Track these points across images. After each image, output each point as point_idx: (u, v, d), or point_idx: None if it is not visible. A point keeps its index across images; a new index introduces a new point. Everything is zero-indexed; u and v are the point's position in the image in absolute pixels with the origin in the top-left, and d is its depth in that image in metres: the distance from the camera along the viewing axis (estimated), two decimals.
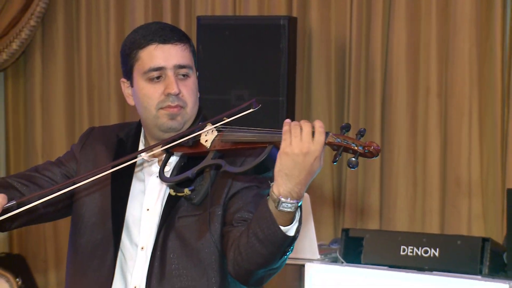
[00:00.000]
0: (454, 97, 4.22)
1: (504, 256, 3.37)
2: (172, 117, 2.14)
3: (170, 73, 2.14)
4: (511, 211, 3.35)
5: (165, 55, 2.15)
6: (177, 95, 2.14)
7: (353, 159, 1.84)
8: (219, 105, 4.03)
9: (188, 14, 4.82)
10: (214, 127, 2.09)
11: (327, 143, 1.87)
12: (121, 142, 2.26)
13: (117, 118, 5.03)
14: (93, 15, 5.11)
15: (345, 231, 3.70)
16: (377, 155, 1.84)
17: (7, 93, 5.35)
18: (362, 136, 1.87)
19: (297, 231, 1.95)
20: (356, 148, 1.85)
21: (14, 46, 5.05)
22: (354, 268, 3.43)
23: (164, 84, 2.14)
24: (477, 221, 4.14)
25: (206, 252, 2.12)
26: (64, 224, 5.16)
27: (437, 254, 3.40)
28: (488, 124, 4.17)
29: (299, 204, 1.92)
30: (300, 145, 1.86)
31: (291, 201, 1.89)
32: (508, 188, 3.45)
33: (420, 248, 3.42)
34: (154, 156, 2.22)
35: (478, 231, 4.09)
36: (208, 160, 2.06)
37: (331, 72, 4.53)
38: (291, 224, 1.93)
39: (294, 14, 4.49)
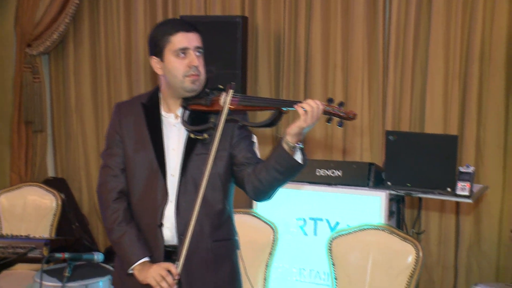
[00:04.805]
0: (352, 70, 4.22)
1: (383, 174, 3.41)
2: (193, 82, 2.12)
3: (192, 52, 2.12)
4: (388, 145, 3.37)
5: (189, 40, 2.13)
6: (197, 67, 2.12)
7: (341, 123, 1.95)
8: None
9: (174, 13, 4.74)
10: (237, 94, 2.08)
11: (323, 112, 1.95)
12: (145, 107, 2.22)
13: (126, 86, 4.98)
14: (108, 15, 5.00)
15: None
16: (355, 118, 1.94)
17: (50, 69, 5.23)
18: (342, 105, 1.95)
19: (302, 159, 2.03)
20: (342, 114, 1.93)
21: (55, 36, 4.95)
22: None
23: (188, 59, 2.12)
24: (366, 152, 4.19)
25: (214, 175, 2.12)
26: (93, 155, 5.18)
27: (340, 174, 3.40)
28: (374, 88, 4.19)
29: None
30: (312, 121, 1.94)
31: (300, 144, 2.00)
32: (386, 130, 3.48)
33: (329, 170, 3.42)
34: (171, 111, 2.20)
35: (366, 159, 4.14)
36: (225, 116, 2.05)
37: (271, 54, 4.51)
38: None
39: (246, 14, 4.46)
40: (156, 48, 2.17)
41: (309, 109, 1.93)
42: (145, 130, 2.18)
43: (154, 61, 2.19)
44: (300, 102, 1.96)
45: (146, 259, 2.14)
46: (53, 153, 5.33)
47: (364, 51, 4.18)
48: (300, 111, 1.93)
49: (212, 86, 2.17)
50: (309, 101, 1.94)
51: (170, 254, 2.15)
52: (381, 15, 4.12)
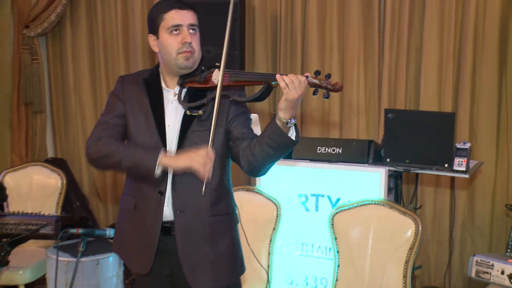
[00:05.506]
0: (348, 50, 4.23)
1: (382, 151, 3.43)
2: (187, 58, 2.14)
3: (185, 29, 2.14)
4: (386, 123, 3.37)
5: (182, 17, 2.14)
6: (190, 43, 2.13)
7: (328, 95, 1.95)
8: None
9: None
10: (228, 70, 2.07)
11: (309, 83, 1.93)
12: (146, 82, 2.23)
13: (124, 67, 4.96)
14: None
15: None
16: (341, 90, 1.93)
17: (48, 50, 5.20)
18: (329, 77, 1.94)
19: (297, 136, 2.03)
20: (329, 86, 1.92)
21: (52, 17, 4.92)
22: (287, 161, 3.47)
23: (181, 36, 2.13)
24: (363, 130, 4.22)
25: None
26: None
27: (340, 151, 3.41)
28: (370, 68, 4.21)
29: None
30: (296, 93, 1.93)
31: (293, 120, 2.00)
32: (385, 108, 3.49)
33: (329, 148, 3.43)
34: (170, 88, 2.22)
35: (363, 136, 4.18)
36: (218, 91, 2.05)
37: (268, 35, 4.50)
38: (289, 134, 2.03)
39: None
40: (153, 26, 2.19)
41: (289, 81, 1.93)
42: (147, 103, 2.19)
43: (151, 39, 2.21)
44: (285, 75, 1.96)
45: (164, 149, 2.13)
46: (52, 134, 5.32)
47: (359, 31, 4.19)
48: (282, 84, 1.94)
49: (210, 65, 2.19)
50: (290, 75, 1.95)
51: (169, 230, 2.17)
52: None
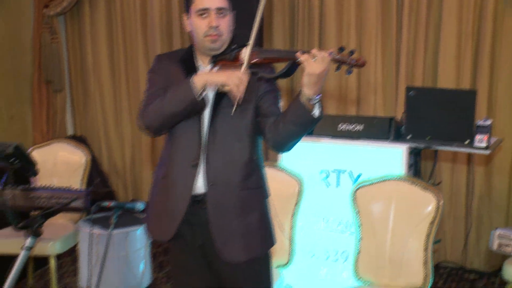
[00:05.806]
0: (366, 29, 4.24)
1: (402, 128, 3.42)
2: (213, 41, 2.14)
3: (212, 13, 2.13)
4: (407, 100, 3.36)
5: (210, 1, 2.14)
6: (216, 27, 2.13)
7: (350, 71, 1.92)
8: None
9: None
10: (256, 48, 2.08)
11: (332, 59, 1.92)
12: (182, 60, 2.26)
13: (142, 46, 4.98)
14: None
15: None
16: (364, 65, 1.90)
17: (67, 30, 5.23)
18: (352, 53, 1.92)
19: (320, 113, 2.02)
20: (351, 62, 1.91)
21: None
22: (308, 138, 3.48)
23: (208, 19, 2.13)
24: (380, 107, 4.24)
25: (240, 128, 2.17)
26: (111, 113, 5.21)
27: (361, 128, 3.42)
28: (387, 47, 4.21)
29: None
30: (319, 67, 1.91)
31: (317, 96, 1.99)
32: (406, 86, 3.46)
33: (350, 124, 3.45)
34: (205, 65, 2.24)
35: (380, 113, 4.20)
36: (246, 63, 2.06)
37: (285, 14, 4.52)
38: (313, 111, 2.01)
39: None
40: (186, 6, 2.21)
41: (310, 55, 1.92)
42: (182, 78, 2.19)
43: (184, 18, 2.23)
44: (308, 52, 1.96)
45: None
46: (72, 112, 5.36)
47: (377, 8, 4.19)
48: (301, 58, 1.94)
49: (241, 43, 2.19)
50: (313, 50, 1.94)
51: (201, 202, 2.20)
52: None
